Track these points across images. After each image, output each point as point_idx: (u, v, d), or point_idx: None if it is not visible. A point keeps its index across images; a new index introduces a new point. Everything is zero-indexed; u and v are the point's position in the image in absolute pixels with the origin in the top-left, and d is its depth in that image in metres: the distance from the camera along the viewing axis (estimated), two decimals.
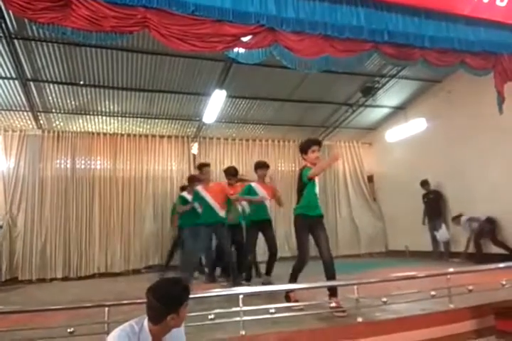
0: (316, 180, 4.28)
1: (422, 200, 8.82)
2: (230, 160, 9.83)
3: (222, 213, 5.82)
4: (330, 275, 3.97)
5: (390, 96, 9.01)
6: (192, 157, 9.90)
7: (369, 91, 8.53)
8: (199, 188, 5.99)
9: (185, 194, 7.12)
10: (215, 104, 7.69)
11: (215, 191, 5.88)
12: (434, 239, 8.53)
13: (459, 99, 8.07)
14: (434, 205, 8.57)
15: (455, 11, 5.20)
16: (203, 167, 6.16)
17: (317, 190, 4.30)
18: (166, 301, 1.99)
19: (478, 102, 7.38)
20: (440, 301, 3.63)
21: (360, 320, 3.30)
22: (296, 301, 3.93)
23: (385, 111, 9.83)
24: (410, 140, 9.22)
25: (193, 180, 6.81)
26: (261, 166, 5.91)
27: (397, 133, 9.53)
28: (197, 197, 6.02)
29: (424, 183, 8.73)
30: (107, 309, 3.03)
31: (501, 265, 4.14)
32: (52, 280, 8.06)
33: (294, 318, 3.38)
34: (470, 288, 3.66)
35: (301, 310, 3.62)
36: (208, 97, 7.69)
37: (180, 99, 8.13)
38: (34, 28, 5.44)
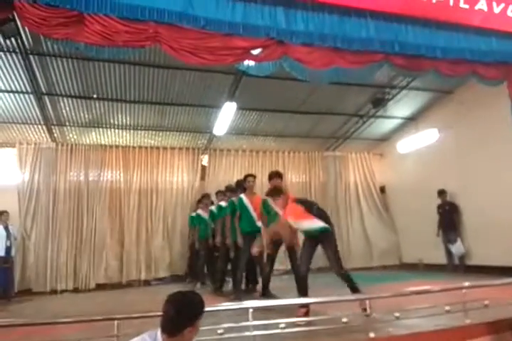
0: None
1: (436, 211, 8.68)
2: (240, 172, 9.79)
3: (259, 224, 5.89)
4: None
5: (401, 107, 8.96)
6: (203, 169, 9.94)
7: (379, 102, 8.50)
8: (243, 196, 6.06)
9: (223, 203, 6.93)
10: (226, 116, 7.75)
11: (256, 202, 5.96)
12: (448, 252, 8.36)
13: (471, 110, 7.98)
14: (449, 217, 8.39)
15: (465, 22, 5.19)
16: (248, 177, 6.27)
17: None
18: (186, 313, 1.98)
19: (491, 113, 7.28)
20: (455, 316, 3.52)
21: (372, 335, 3.21)
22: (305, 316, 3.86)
23: (396, 122, 9.77)
24: (422, 151, 9.13)
25: (236, 187, 6.76)
26: (269, 177, 5.68)
27: (408, 144, 9.46)
28: (240, 204, 6.03)
29: (442, 192, 8.57)
30: (116, 322, 3.01)
31: None
32: (63, 291, 8.08)
33: (305, 333, 3.32)
34: (486, 302, 3.55)
35: (308, 324, 3.55)
36: (219, 110, 7.75)
37: (191, 111, 8.21)
38: (49, 43, 5.57)
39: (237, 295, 5.68)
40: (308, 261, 4.44)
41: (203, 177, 9.90)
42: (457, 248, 8.03)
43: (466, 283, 3.80)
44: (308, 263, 4.44)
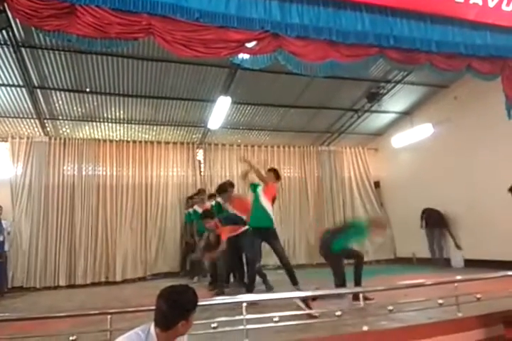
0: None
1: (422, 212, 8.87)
2: (236, 167, 9.80)
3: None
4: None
5: (396, 101, 8.97)
6: (197, 163, 9.91)
7: (374, 96, 8.50)
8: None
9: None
10: (220, 110, 7.69)
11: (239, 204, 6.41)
12: (431, 246, 8.64)
13: (465, 104, 8.01)
14: (437, 220, 8.60)
15: (460, 16, 5.18)
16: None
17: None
18: (179, 307, 1.98)
19: (485, 107, 7.32)
20: (448, 309, 3.55)
21: (365, 328, 3.23)
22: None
23: (391, 116, 9.78)
24: (417, 145, 9.16)
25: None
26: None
27: (403, 139, 9.48)
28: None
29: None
30: (109, 317, 3.01)
31: (510, 273, 4.06)
32: (57, 287, 8.02)
33: (298, 327, 3.33)
34: (478, 296, 3.58)
35: (301, 318, 3.54)
36: (213, 104, 7.70)
37: (185, 105, 8.15)
38: (41, 35, 5.49)
39: (223, 289, 5.75)
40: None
41: (198, 172, 9.86)
42: (458, 262, 8.21)
43: (458, 277, 3.83)
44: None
